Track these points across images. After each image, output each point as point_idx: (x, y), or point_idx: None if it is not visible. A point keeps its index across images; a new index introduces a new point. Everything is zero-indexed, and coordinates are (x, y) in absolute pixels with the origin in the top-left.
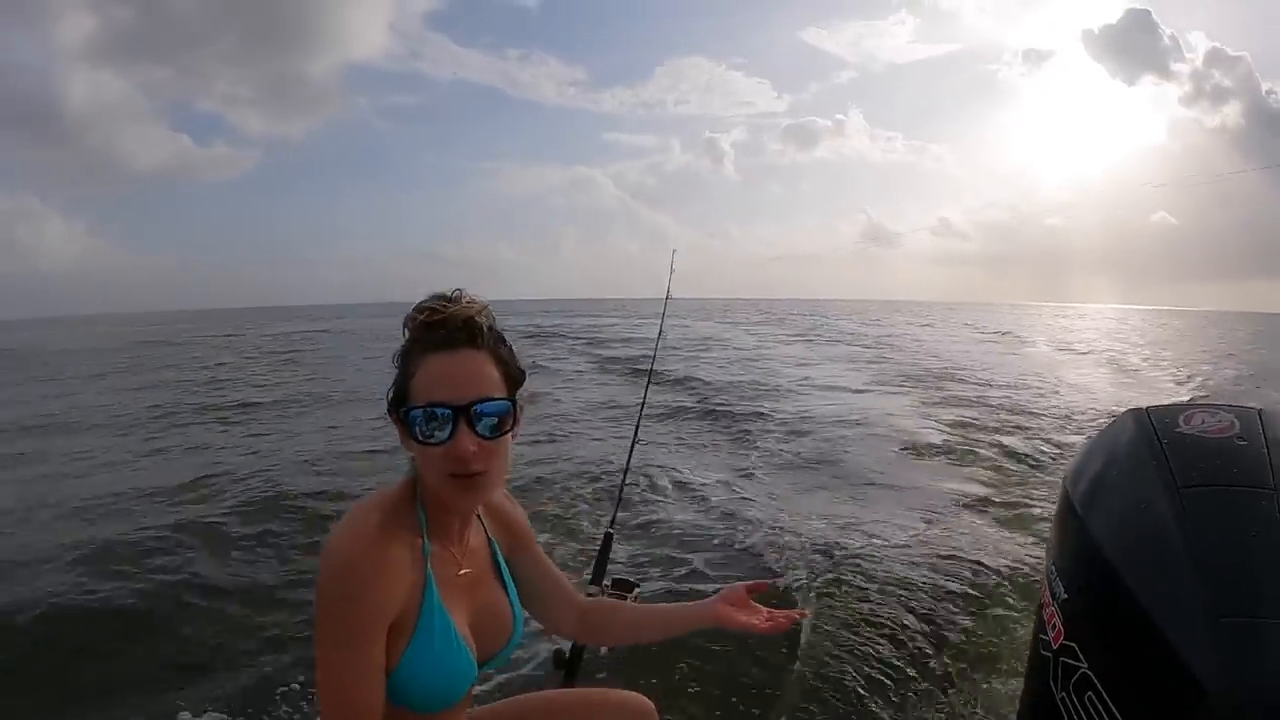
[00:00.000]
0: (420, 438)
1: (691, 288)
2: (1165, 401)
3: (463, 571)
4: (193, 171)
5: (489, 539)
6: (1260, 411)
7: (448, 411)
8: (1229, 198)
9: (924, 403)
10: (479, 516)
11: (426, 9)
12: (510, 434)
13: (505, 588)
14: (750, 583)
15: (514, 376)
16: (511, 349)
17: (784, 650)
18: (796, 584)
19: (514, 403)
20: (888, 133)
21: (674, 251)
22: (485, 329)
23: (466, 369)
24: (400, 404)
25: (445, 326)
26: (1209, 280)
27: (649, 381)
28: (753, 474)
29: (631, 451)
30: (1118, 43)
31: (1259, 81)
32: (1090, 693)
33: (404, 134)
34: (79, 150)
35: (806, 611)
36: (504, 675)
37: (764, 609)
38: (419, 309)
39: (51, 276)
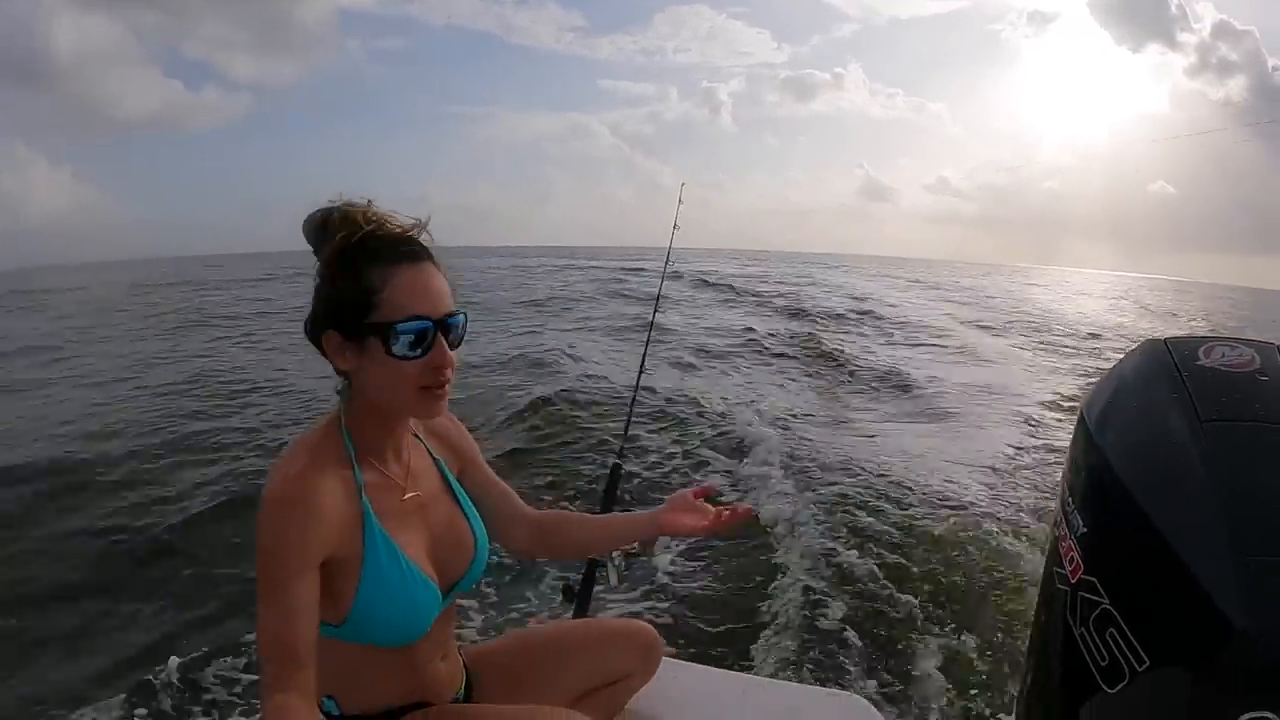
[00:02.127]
0: (400, 352)
1: (682, 238)
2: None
3: (408, 496)
4: (183, 118)
5: (434, 459)
6: (1279, 347)
7: (429, 324)
8: (1228, 171)
9: None
10: (419, 437)
11: None
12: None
13: (461, 507)
14: (698, 487)
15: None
16: None
17: (780, 575)
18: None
19: (464, 314)
20: (888, 88)
21: (682, 185)
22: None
23: (436, 281)
24: (357, 318)
25: (407, 241)
26: (1207, 251)
27: (655, 309)
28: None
29: (639, 381)
30: (1125, 8)
31: (1266, 57)
32: (1112, 629)
33: (395, 79)
34: (67, 95)
35: (752, 507)
36: (515, 609)
37: (711, 509)
38: (362, 218)
39: (38, 224)
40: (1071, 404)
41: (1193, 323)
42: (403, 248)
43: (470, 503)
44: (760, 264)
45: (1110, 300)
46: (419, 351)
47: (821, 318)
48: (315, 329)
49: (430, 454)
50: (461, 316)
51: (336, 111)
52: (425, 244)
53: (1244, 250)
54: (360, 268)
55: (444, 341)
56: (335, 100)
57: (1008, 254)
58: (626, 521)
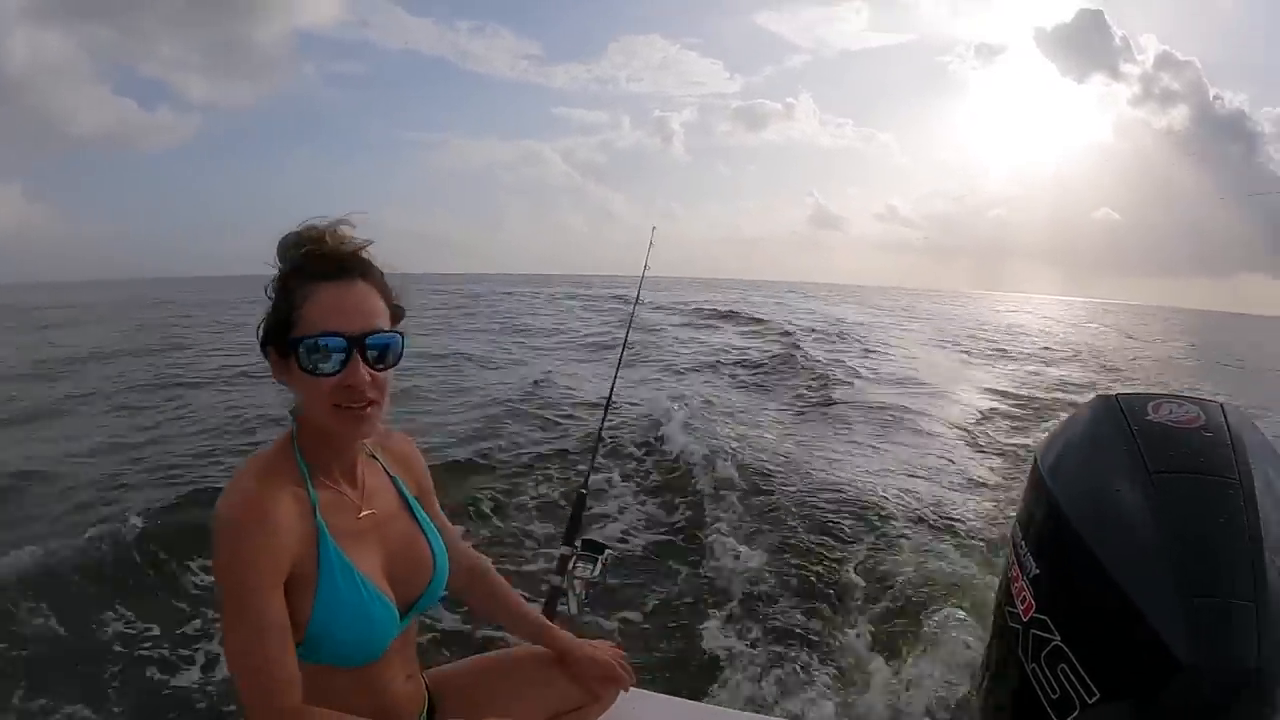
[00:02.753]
0: (310, 368)
1: (633, 267)
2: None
3: (364, 514)
4: (136, 137)
5: (391, 478)
6: (1223, 406)
7: (341, 341)
8: (1171, 200)
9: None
10: (375, 457)
11: None
12: (392, 368)
13: (420, 525)
14: (611, 674)
15: (397, 311)
16: (389, 286)
17: (733, 603)
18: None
19: (402, 336)
20: (838, 118)
21: (654, 229)
22: (370, 262)
23: (359, 299)
24: (283, 334)
25: (336, 257)
26: (1151, 275)
27: (625, 343)
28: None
29: (605, 413)
30: (1070, 41)
31: (1207, 87)
32: (1063, 664)
33: (351, 103)
34: (19, 108)
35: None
36: (479, 634)
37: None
38: (304, 238)
39: None
40: (1018, 436)
41: (1131, 340)
42: (329, 266)
43: (429, 522)
44: (717, 291)
45: (1063, 324)
46: (331, 369)
47: (788, 340)
48: (262, 345)
49: (387, 472)
50: (389, 338)
51: (292, 135)
52: (369, 265)
53: (1187, 273)
54: (290, 285)
55: (360, 360)
56: (291, 123)
57: (955, 280)
58: (536, 625)
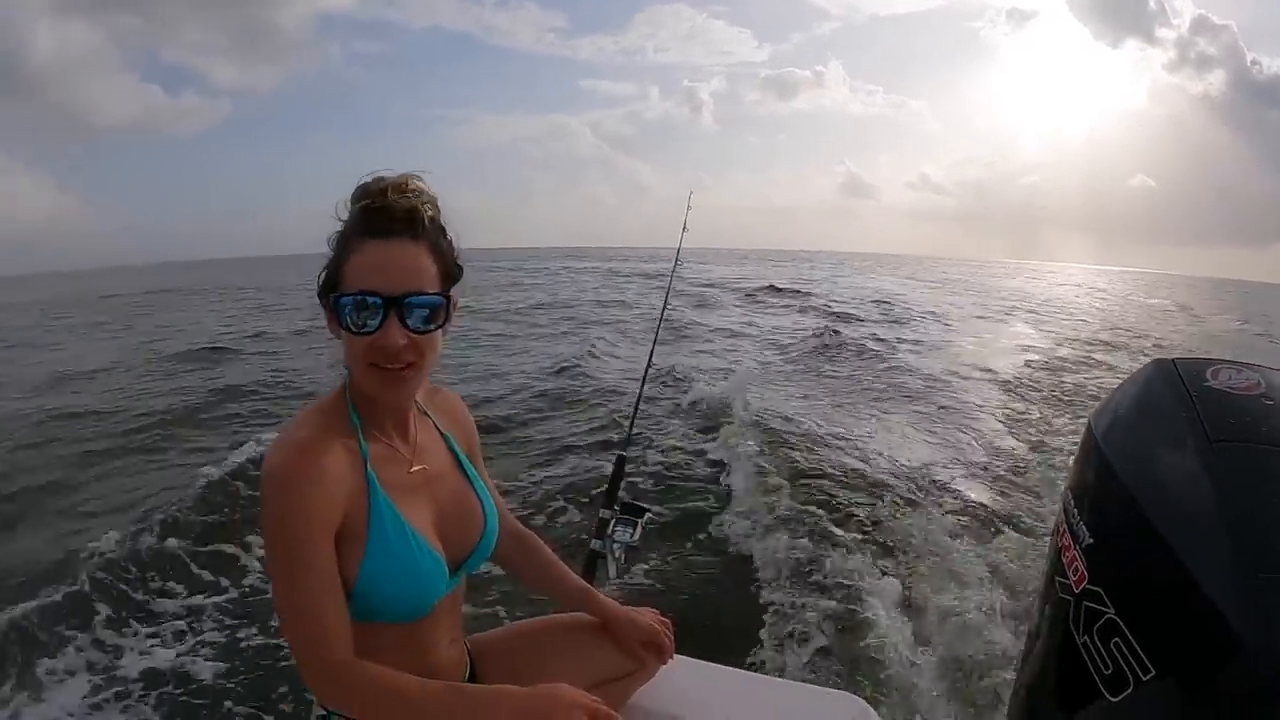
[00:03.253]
0: (350, 326)
1: (664, 238)
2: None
3: (415, 469)
4: (164, 123)
5: (443, 434)
6: None
7: (378, 301)
8: (1207, 166)
9: None
10: (427, 413)
11: None
12: (441, 329)
13: (471, 482)
14: (656, 640)
15: (451, 272)
16: (452, 243)
17: (777, 572)
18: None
19: (448, 299)
20: (868, 86)
21: (690, 193)
22: (427, 220)
23: (403, 259)
24: (331, 289)
25: (386, 214)
26: (1186, 244)
27: (664, 307)
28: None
29: (645, 377)
30: (1104, 5)
31: (1244, 51)
32: (1117, 639)
33: (375, 82)
34: (46, 102)
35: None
36: (519, 600)
37: (665, 643)
38: (362, 192)
39: (21, 233)
40: (1069, 402)
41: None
42: (379, 223)
43: (480, 480)
44: (750, 264)
45: (1114, 297)
46: (367, 327)
47: (827, 313)
48: (319, 297)
49: (438, 429)
50: (432, 299)
51: (317, 115)
52: (423, 224)
53: (1222, 241)
54: (343, 240)
55: (396, 320)
56: (315, 104)
57: (989, 249)
58: (579, 591)
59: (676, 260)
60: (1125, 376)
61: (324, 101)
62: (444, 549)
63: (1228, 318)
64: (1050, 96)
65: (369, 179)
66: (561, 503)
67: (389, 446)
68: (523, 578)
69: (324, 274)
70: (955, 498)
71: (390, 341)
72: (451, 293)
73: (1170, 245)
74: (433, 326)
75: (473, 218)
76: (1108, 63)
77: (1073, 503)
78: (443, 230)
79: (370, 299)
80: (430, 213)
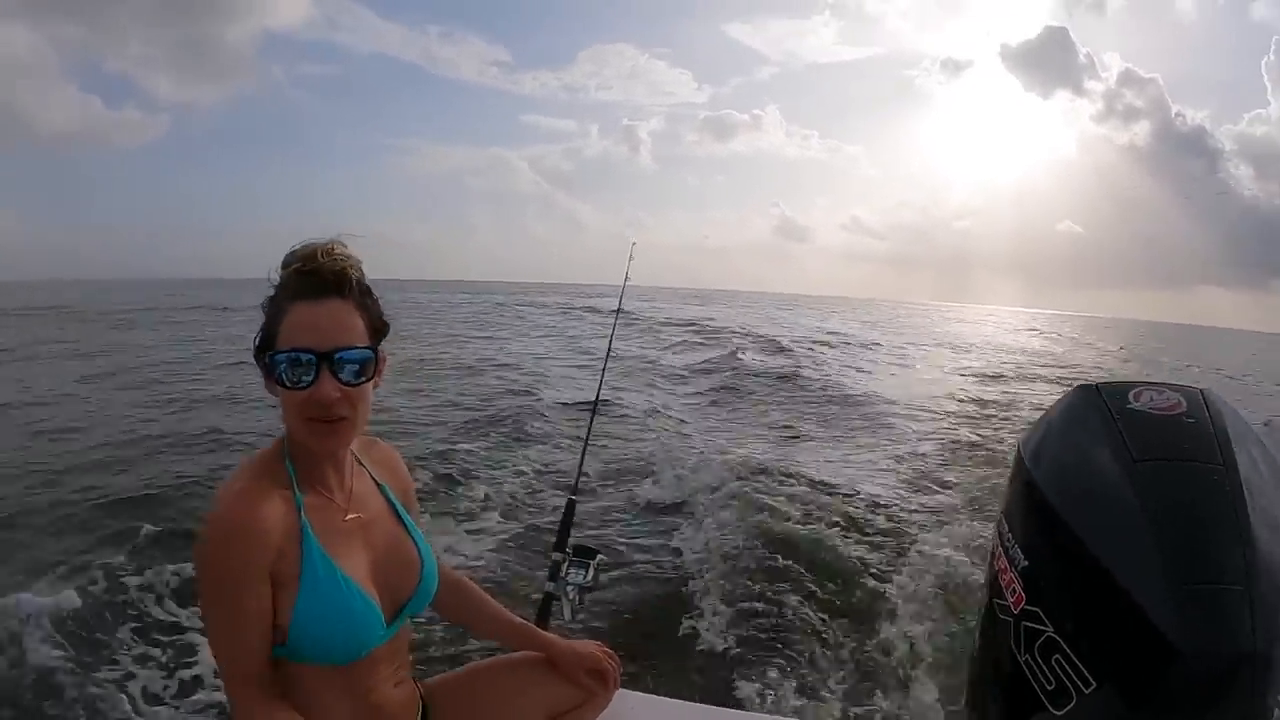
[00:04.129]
0: (284, 382)
1: (601, 275)
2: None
3: (350, 517)
4: (101, 135)
5: (378, 484)
6: (1203, 392)
7: (311, 357)
8: (1132, 214)
9: None
10: (361, 463)
11: None
12: (372, 382)
13: (407, 529)
14: (598, 667)
15: (378, 327)
16: (378, 301)
17: (719, 603)
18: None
19: (376, 353)
20: (804, 130)
21: (633, 244)
22: (354, 281)
23: (332, 317)
24: (266, 349)
25: (316, 276)
26: (1112, 287)
27: (608, 353)
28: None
29: (592, 420)
30: (1035, 58)
31: (1169, 103)
32: (1057, 655)
33: (319, 106)
34: None
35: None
36: (473, 642)
37: (607, 672)
38: (291, 257)
39: None
40: (996, 431)
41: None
42: (308, 285)
43: (415, 526)
44: (701, 304)
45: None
46: (300, 382)
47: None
48: (255, 357)
49: (373, 478)
50: (361, 353)
51: (259, 136)
52: (350, 284)
53: (1148, 285)
54: (275, 303)
55: (329, 374)
56: (259, 124)
57: (920, 291)
58: (517, 630)
59: (619, 309)
60: (1050, 403)
61: (269, 122)
62: (380, 594)
63: (1151, 353)
64: (983, 144)
65: (298, 245)
66: (514, 546)
67: (324, 496)
68: (460, 622)
69: (259, 336)
70: (895, 524)
71: (324, 395)
72: (380, 348)
73: (1096, 289)
74: (363, 379)
75: (418, 247)
76: (1038, 113)
77: (1006, 527)
78: (369, 290)
79: (304, 355)
80: (356, 275)
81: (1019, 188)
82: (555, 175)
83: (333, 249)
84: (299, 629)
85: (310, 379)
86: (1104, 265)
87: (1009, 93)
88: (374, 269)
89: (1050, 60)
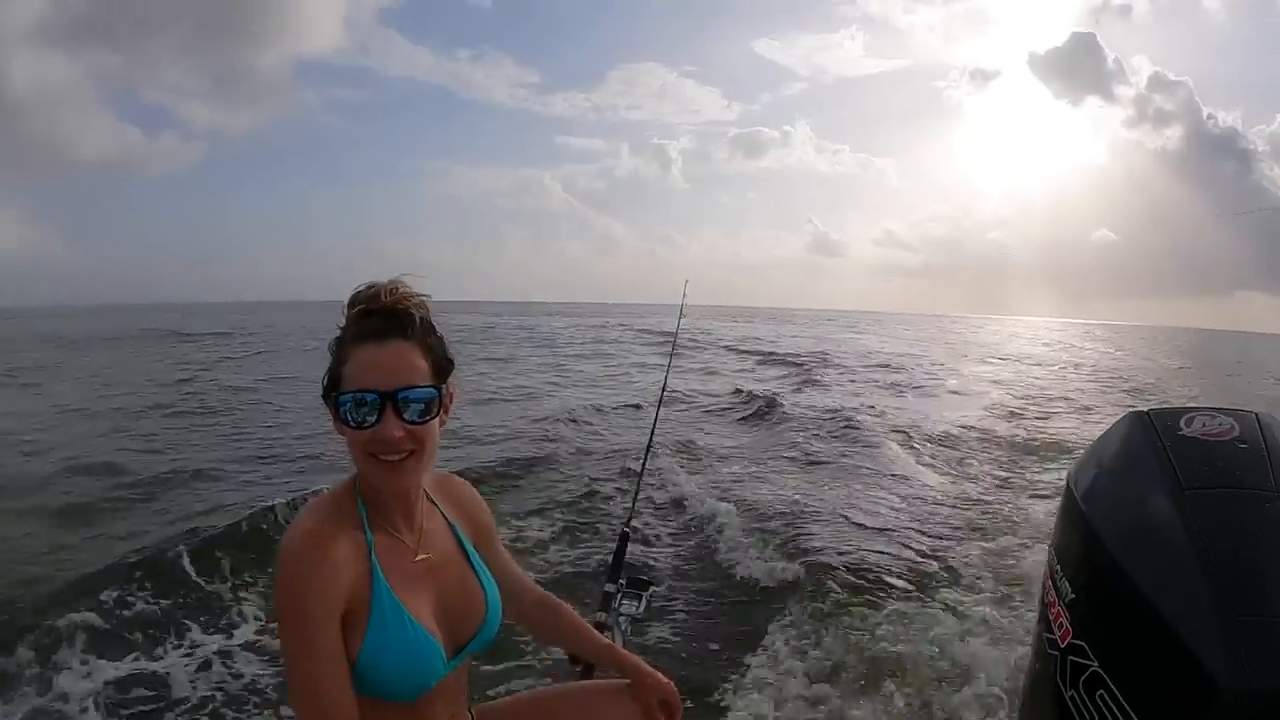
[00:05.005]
0: (350, 422)
1: (645, 293)
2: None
3: (419, 558)
4: (139, 163)
5: (449, 524)
6: (1258, 416)
7: (375, 397)
8: (1167, 219)
9: None
10: (434, 502)
11: (380, 4)
12: (437, 420)
13: (475, 570)
14: (673, 700)
15: (442, 366)
16: (442, 340)
17: (779, 638)
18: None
19: (439, 390)
20: (834, 145)
21: (686, 281)
22: (417, 320)
23: (396, 358)
24: (332, 390)
25: (377, 317)
26: (1144, 296)
27: (664, 388)
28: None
29: (647, 454)
30: (1063, 65)
31: (1200, 106)
32: (1102, 691)
33: (351, 130)
34: (21, 132)
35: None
36: (526, 670)
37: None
38: (355, 299)
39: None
40: (1050, 463)
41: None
42: (371, 326)
43: (484, 567)
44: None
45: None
46: (365, 422)
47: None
48: (324, 397)
49: (444, 517)
50: (425, 392)
51: (292, 161)
52: (412, 323)
53: (1186, 293)
54: (342, 345)
55: (393, 414)
56: (291, 150)
57: (955, 304)
58: (602, 650)
59: (674, 344)
60: (1102, 428)
61: (302, 148)
62: (444, 634)
63: (1189, 363)
64: (1013, 154)
65: (362, 287)
66: (565, 576)
67: (393, 537)
68: (547, 639)
69: (326, 377)
70: (948, 565)
71: (388, 434)
72: (447, 385)
73: (1134, 297)
74: (428, 417)
75: (449, 270)
76: (1068, 120)
77: (1055, 559)
78: (432, 328)
79: (368, 396)
80: (420, 314)
81: (1051, 197)
82: (587, 195)
83: (396, 289)
84: (366, 668)
85: (374, 419)
86: (1141, 273)
87: (1038, 101)
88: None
89: (1079, 67)
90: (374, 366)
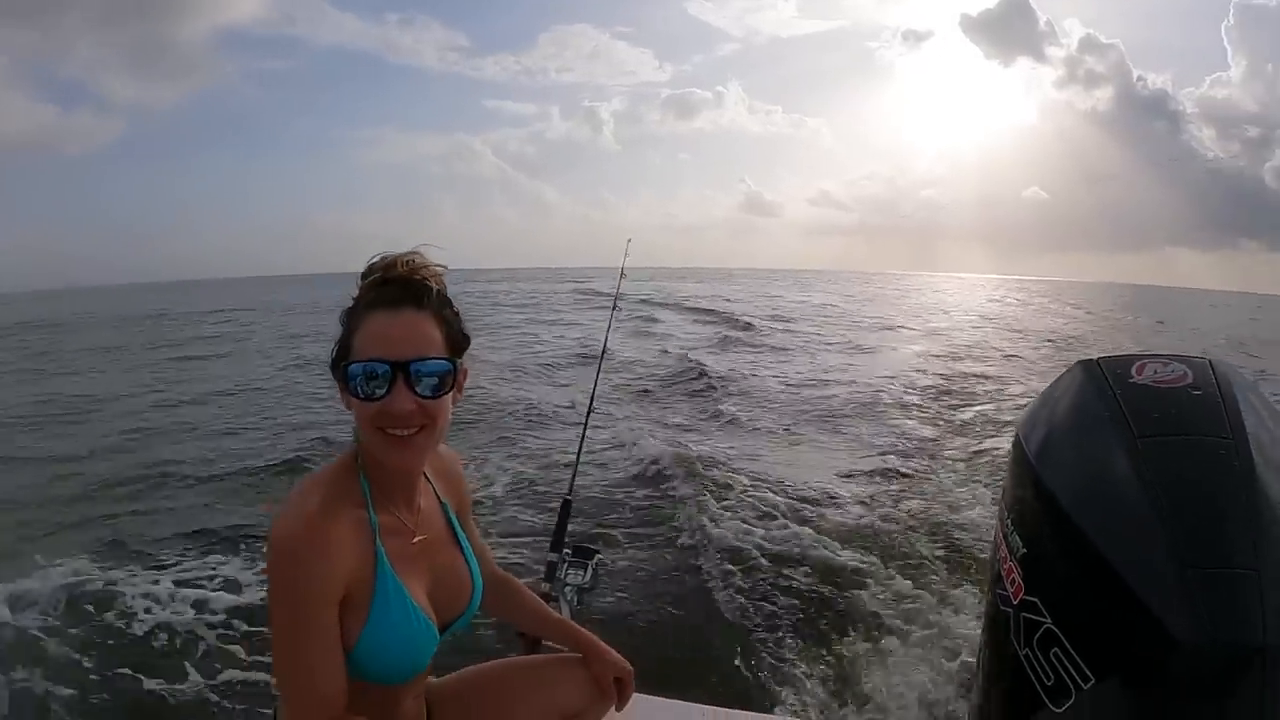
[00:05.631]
0: (358, 394)
1: (580, 257)
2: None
3: (417, 539)
4: (56, 141)
5: (440, 501)
6: (1211, 362)
7: (385, 368)
8: (1097, 178)
9: None
10: (428, 479)
11: None
12: (450, 395)
13: (461, 549)
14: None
15: (456, 340)
16: (458, 314)
17: (729, 601)
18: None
19: (454, 364)
20: (768, 105)
21: (629, 240)
22: (433, 291)
23: (409, 327)
24: (341, 360)
25: (391, 286)
26: (1078, 251)
27: (604, 350)
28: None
29: (587, 420)
30: (995, 26)
31: (1130, 69)
32: (1056, 648)
33: (278, 101)
34: None
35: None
36: (470, 645)
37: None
38: (370, 269)
39: None
40: (1000, 415)
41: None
42: (385, 295)
43: (470, 546)
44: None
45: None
46: (375, 394)
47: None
48: (330, 370)
49: (437, 495)
50: (438, 365)
51: (218, 135)
52: (427, 294)
53: (1113, 248)
54: (353, 313)
55: (405, 386)
56: (217, 123)
57: (891, 261)
58: (558, 626)
59: (614, 307)
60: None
61: (227, 120)
62: (434, 614)
63: (1123, 316)
64: (946, 113)
65: (376, 257)
66: (508, 547)
67: (395, 517)
68: (504, 616)
69: (335, 347)
70: (899, 521)
71: (398, 407)
72: (461, 360)
73: (1064, 253)
74: (441, 392)
75: (392, 237)
76: (1000, 80)
77: (1005, 513)
78: (449, 301)
79: (378, 367)
80: (436, 285)
81: (983, 156)
82: (519, 159)
83: (412, 259)
84: (366, 651)
85: (384, 391)
86: (1072, 230)
87: (970, 62)
88: (346, 262)
89: (1010, 28)
90: (386, 336)
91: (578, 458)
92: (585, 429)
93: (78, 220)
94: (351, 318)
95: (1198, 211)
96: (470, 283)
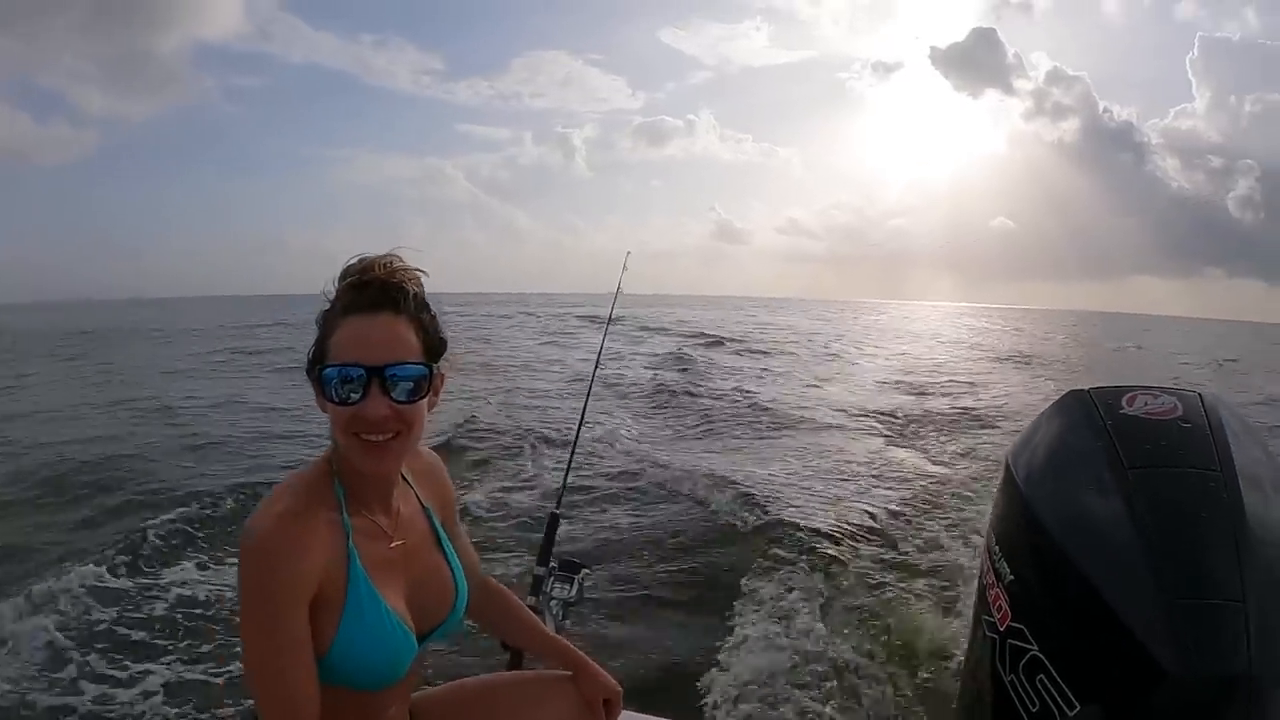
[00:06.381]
0: (334, 398)
1: (551, 282)
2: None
3: (395, 544)
4: (29, 151)
5: (423, 506)
6: (1201, 395)
7: (360, 372)
8: (1064, 208)
9: None
10: (409, 482)
11: None
12: (425, 400)
13: (445, 555)
14: (616, 698)
15: (434, 345)
16: (435, 318)
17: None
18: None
19: (431, 369)
20: (739, 134)
21: (628, 253)
22: (410, 295)
23: (385, 331)
24: (317, 363)
25: (368, 289)
26: (1045, 279)
27: (595, 368)
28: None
29: (577, 437)
30: (964, 58)
31: (1097, 100)
32: (1042, 675)
33: (252, 118)
34: None
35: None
36: (453, 658)
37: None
38: (346, 271)
39: None
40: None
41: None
42: (361, 298)
43: (454, 552)
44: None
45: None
46: (349, 398)
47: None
48: (307, 373)
49: (418, 500)
50: (414, 369)
51: (192, 150)
52: (405, 298)
53: (1080, 276)
54: (329, 316)
55: (379, 391)
56: (191, 139)
57: (859, 290)
58: (549, 642)
59: (609, 319)
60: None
61: (201, 135)
62: (414, 620)
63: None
64: (915, 144)
65: (354, 259)
66: (496, 561)
67: (371, 521)
68: (494, 628)
69: (311, 351)
70: (889, 546)
71: (373, 412)
72: (438, 366)
73: (1031, 281)
74: (416, 397)
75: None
76: (968, 112)
77: (994, 540)
78: (426, 305)
79: (353, 371)
80: (414, 289)
81: (951, 186)
82: (491, 184)
83: (390, 261)
84: (337, 657)
85: (359, 395)
86: (1039, 259)
87: (939, 93)
88: (309, 284)
89: (979, 61)
90: (362, 340)
91: (566, 473)
92: (575, 446)
93: (50, 232)
94: (328, 320)
95: (1163, 240)
96: (454, 305)
